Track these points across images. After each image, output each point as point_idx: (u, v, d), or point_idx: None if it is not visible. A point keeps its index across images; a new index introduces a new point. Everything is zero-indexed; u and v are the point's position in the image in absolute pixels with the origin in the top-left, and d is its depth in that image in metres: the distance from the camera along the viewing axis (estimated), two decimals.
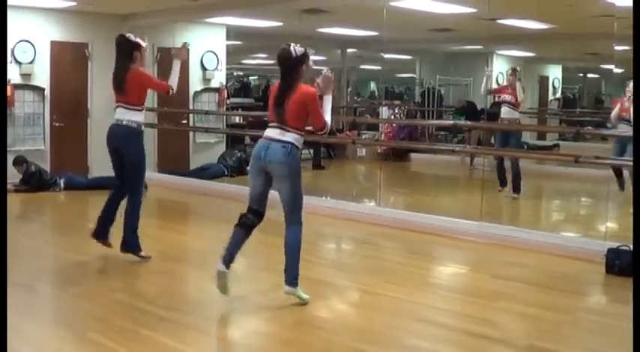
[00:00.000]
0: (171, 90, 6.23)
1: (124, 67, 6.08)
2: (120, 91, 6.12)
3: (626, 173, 8.45)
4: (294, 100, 4.86)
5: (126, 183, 6.22)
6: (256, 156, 4.95)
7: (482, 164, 10.61)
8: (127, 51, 6.09)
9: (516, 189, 9.86)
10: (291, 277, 4.98)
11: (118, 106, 6.14)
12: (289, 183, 4.91)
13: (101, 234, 6.30)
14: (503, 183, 9.95)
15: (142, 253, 6.26)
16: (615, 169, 8.65)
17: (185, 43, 6.64)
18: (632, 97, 8.50)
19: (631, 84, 8.67)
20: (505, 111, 9.87)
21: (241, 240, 5.05)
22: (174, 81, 6.26)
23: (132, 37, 6.20)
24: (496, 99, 10.15)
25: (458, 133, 15.25)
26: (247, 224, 5.04)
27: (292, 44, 4.91)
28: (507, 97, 9.90)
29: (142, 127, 6.19)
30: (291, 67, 4.90)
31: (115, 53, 6.18)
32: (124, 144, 6.11)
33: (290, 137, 4.89)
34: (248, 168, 4.92)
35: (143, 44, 6.21)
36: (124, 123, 6.08)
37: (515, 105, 9.87)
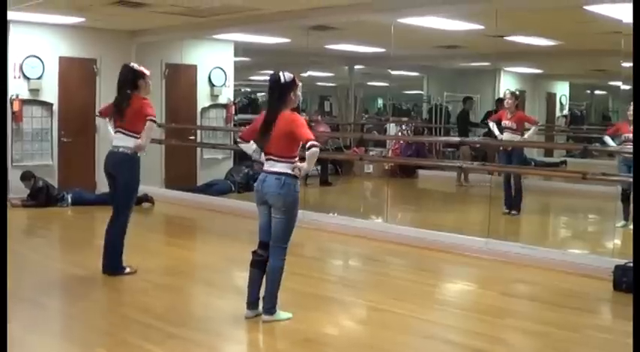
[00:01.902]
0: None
1: (127, 94, 6.16)
2: (121, 116, 6.20)
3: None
4: (279, 129, 4.83)
5: (115, 204, 6.31)
6: (256, 189, 4.99)
7: (480, 181, 10.56)
8: (131, 80, 6.17)
9: (516, 207, 9.76)
10: (269, 305, 4.97)
11: (117, 131, 6.24)
12: (282, 214, 4.89)
13: (112, 267, 6.32)
14: (508, 204, 9.74)
15: (128, 269, 6.30)
16: (624, 195, 8.46)
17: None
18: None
19: (632, 106, 8.62)
20: (507, 136, 9.72)
21: (258, 279, 5.03)
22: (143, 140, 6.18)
23: (136, 66, 6.28)
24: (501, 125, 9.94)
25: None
26: (259, 261, 5.01)
27: (282, 71, 4.89)
28: (507, 123, 9.76)
29: (138, 154, 6.25)
30: (280, 94, 4.87)
31: (118, 81, 6.24)
32: (118, 170, 6.22)
33: (282, 168, 4.86)
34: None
35: (147, 72, 6.29)
36: (120, 150, 6.18)
37: (516, 130, 9.76)
